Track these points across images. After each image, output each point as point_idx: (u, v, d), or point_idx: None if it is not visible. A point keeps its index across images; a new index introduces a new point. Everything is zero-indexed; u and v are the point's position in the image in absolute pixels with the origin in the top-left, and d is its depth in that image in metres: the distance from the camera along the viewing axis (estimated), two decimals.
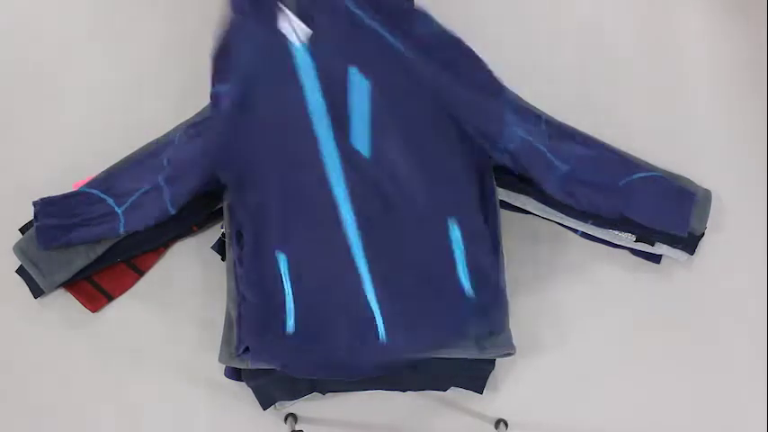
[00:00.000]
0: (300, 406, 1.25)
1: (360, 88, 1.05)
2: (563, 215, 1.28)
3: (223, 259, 1.25)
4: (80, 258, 1.24)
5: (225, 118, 1.09)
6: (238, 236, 1.18)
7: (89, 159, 1.34)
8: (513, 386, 1.27)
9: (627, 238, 1.28)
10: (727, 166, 1.37)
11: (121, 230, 1.23)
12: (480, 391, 1.22)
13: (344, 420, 1.25)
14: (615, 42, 1.45)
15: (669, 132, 1.39)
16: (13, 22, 1.46)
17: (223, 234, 1.23)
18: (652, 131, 1.39)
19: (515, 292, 1.26)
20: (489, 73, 1.13)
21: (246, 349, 1.13)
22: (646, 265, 1.32)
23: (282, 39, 1.05)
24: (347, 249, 1.10)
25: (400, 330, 1.12)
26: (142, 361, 1.27)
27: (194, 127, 1.25)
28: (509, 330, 1.17)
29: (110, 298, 1.29)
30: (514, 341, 1.16)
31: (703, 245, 1.30)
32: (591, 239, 1.32)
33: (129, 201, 1.23)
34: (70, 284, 1.27)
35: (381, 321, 1.12)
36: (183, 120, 1.30)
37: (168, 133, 1.29)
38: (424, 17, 1.08)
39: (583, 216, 1.27)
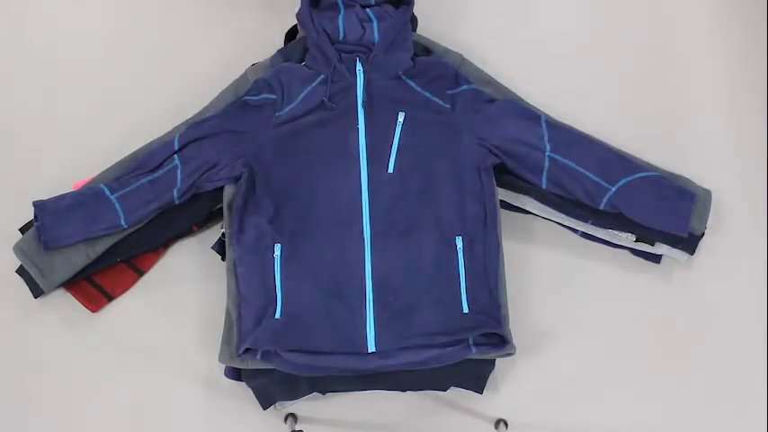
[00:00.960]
0: (300, 406, 1.25)
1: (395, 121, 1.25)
2: (563, 215, 1.29)
3: (223, 259, 1.25)
4: (80, 258, 1.24)
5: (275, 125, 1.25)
6: (238, 233, 1.19)
7: (89, 159, 1.34)
8: (513, 386, 1.27)
9: (627, 238, 1.28)
10: (727, 166, 1.37)
11: (123, 224, 1.23)
12: (480, 391, 1.22)
13: (344, 420, 1.25)
14: (615, 43, 1.45)
15: (669, 132, 1.39)
16: (14, 23, 1.46)
17: (223, 234, 1.24)
18: (652, 131, 1.39)
19: (515, 292, 1.26)
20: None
21: (247, 350, 1.13)
22: (646, 265, 1.32)
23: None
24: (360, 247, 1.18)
25: (390, 340, 1.13)
26: (142, 361, 1.28)
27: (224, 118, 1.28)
28: (509, 331, 1.17)
29: (110, 298, 1.29)
30: (514, 341, 1.16)
31: (703, 245, 1.30)
32: (591, 239, 1.32)
33: (130, 193, 1.24)
34: (70, 284, 1.27)
35: (372, 328, 1.14)
36: (182, 120, 1.30)
37: (168, 133, 1.29)
38: (457, 77, 1.29)
39: (583, 216, 1.27)
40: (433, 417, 1.25)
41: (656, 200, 1.24)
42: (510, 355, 1.16)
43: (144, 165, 1.25)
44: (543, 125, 1.28)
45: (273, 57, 1.30)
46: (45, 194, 1.27)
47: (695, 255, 1.28)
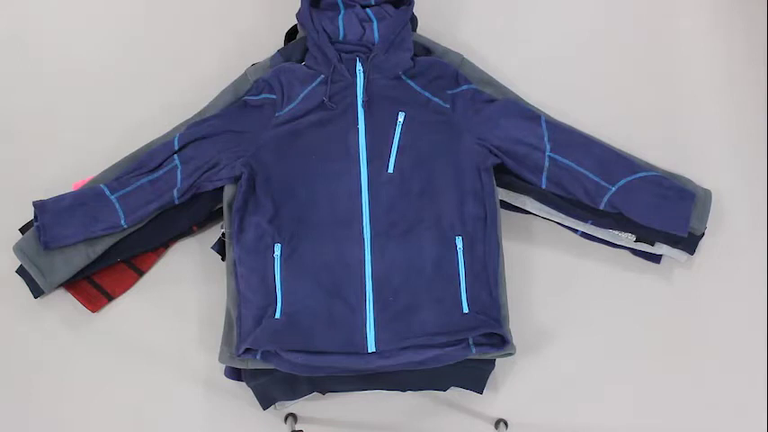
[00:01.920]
0: (300, 406, 1.25)
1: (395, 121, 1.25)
2: (563, 215, 1.29)
3: (223, 259, 1.25)
4: (80, 258, 1.24)
5: (277, 124, 1.25)
6: (238, 233, 1.19)
7: (89, 159, 1.34)
8: (513, 386, 1.27)
9: (627, 238, 1.28)
10: (727, 166, 1.37)
11: (123, 224, 1.23)
12: (480, 391, 1.22)
13: (344, 420, 1.25)
14: (615, 43, 1.45)
15: (669, 132, 1.39)
16: (14, 23, 1.46)
17: (223, 234, 1.24)
18: (652, 131, 1.39)
19: (515, 292, 1.26)
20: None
21: (247, 350, 1.13)
22: (646, 265, 1.32)
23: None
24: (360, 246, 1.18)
25: (390, 340, 1.13)
26: (142, 361, 1.28)
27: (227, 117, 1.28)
28: (509, 331, 1.17)
29: (110, 298, 1.29)
30: (514, 341, 1.16)
31: (703, 245, 1.30)
32: (591, 239, 1.32)
33: (130, 193, 1.24)
34: (70, 284, 1.27)
35: (372, 328, 1.14)
36: (182, 120, 1.30)
37: (168, 133, 1.29)
38: (457, 77, 1.29)
39: (583, 216, 1.27)
40: (433, 417, 1.26)
41: (656, 200, 1.24)
42: (510, 355, 1.16)
43: (144, 165, 1.25)
44: (543, 125, 1.28)
45: (273, 57, 1.30)
46: (45, 194, 1.27)
47: (695, 255, 1.28)
